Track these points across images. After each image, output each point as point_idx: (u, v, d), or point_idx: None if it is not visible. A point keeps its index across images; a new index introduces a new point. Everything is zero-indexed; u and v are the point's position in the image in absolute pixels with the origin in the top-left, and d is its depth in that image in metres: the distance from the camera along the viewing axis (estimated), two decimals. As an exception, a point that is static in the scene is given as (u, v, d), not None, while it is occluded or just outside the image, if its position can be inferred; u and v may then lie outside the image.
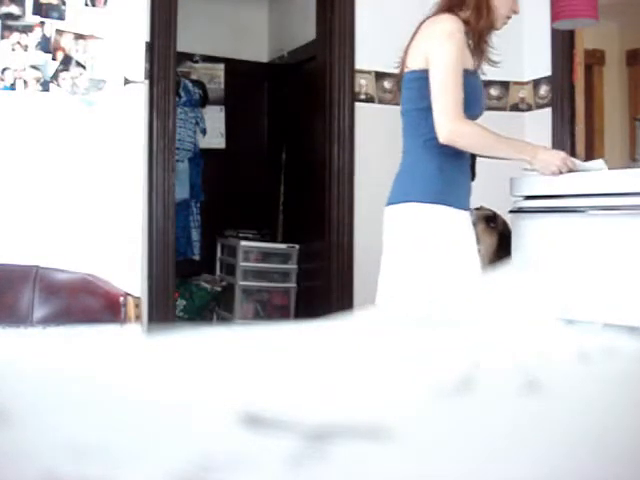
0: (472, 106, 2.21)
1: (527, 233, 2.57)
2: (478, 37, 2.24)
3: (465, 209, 2.26)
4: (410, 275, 2.20)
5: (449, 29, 2.17)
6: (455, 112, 2.11)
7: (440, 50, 2.15)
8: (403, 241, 2.22)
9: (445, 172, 2.20)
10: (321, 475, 0.28)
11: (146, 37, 3.23)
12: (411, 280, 2.19)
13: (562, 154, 2.26)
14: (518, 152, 2.24)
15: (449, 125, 2.11)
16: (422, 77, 2.19)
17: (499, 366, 0.45)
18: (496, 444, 0.32)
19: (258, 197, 5.45)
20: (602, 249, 2.25)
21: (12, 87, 3.00)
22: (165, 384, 0.39)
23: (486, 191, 3.09)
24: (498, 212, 3.00)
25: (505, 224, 2.99)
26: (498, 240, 2.96)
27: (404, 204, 2.22)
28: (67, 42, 3.05)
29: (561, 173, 2.23)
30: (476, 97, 2.25)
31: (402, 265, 2.23)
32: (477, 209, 2.96)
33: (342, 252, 3.69)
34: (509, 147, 2.22)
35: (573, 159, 2.36)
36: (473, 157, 2.36)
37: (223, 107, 5.42)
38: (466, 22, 2.22)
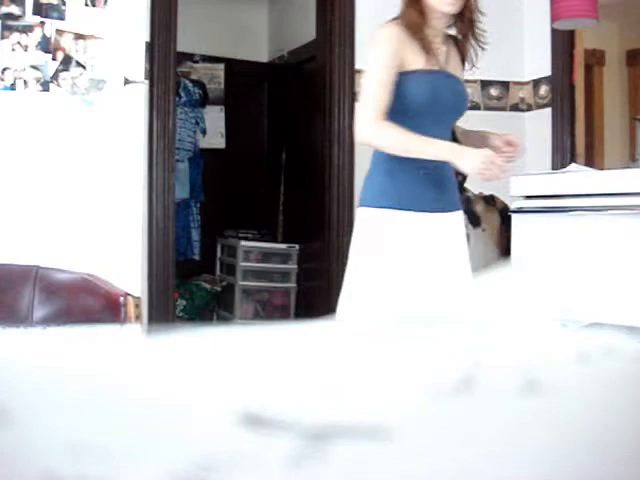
0: (423, 105, 2.19)
1: (527, 233, 2.57)
2: (420, 33, 2.19)
3: (422, 211, 2.22)
4: (352, 279, 2.25)
5: (379, 36, 2.21)
6: (369, 115, 2.15)
7: (369, 58, 2.24)
8: (353, 245, 2.29)
9: (395, 176, 2.20)
10: (321, 475, 0.28)
11: (146, 37, 3.23)
12: (352, 284, 2.25)
13: (489, 155, 2.08)
14: (438, 153, 2.16)
15: (361, 127, 2.17)
16: None
17: (499, 366, 0.45)
18: (496, 444, 0.32)
19: (258, 197, 5.45)
20: (602, 249, 2.25)
21: (12, 87, 3.00)
22: (165, 384, 0.39)
23: (485, 190, 3.09)
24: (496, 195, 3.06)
25: (504, 204, 3.03)
26: (500, 218, 3.00)
27: (359, 208, 2.30)
28: (67, 42, 3.05)
29: (493, 175, 2.08)
30: (424, 96, 2.20)
31: (350, 268, 2.28)
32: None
33: (342, 252, 3.68)
34: (429, 147, 2.15)
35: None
36: None
37: (223, 107, 5.42)
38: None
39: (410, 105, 2.18)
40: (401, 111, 2.17)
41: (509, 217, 2.91)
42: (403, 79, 2.17)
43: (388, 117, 2.16)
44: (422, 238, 2.22)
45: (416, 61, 2.19)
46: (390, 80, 2.16)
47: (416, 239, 2.22)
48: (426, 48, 2.19)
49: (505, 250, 2.96)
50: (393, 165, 2.21)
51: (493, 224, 3.01)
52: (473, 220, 3.02)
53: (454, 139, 2.37)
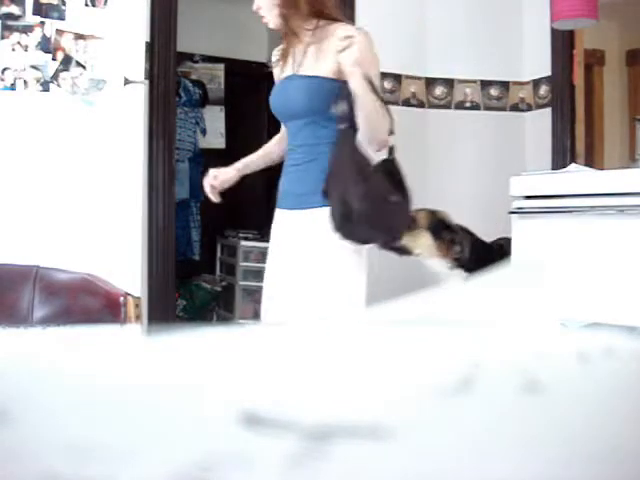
0: (275, 113, 2.40)
1: (527, 233, 2.57)
2: (282, 49, 2.37)
3: (287, 208, 2.32)
4: None
5: None
6: None
7: None
8: None
9: (281, 176, 2.40)
10: (321, 475, 0.28)
11: (146, 37, 3.23)
12: None
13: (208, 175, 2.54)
14: None
15: None
16: None
17: (499, 366, 0.45)
18: (496, 443, 0.32)
19: (258, 197, 5.45)
20: (602, 249, 2.26)
21: (12, 87, 3.00)
22: (165, 384, 0.39)
23: (486, 190, 3.09)
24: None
25: (428, 214, 2.77)
26: (429, 233, 2.75)
27: None
28: (67, 42, 3.05)
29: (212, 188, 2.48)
30: (270, 105, 2.40)
31: None
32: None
33: (342, 252, 3.69)
34: None
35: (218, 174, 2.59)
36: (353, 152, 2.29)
37: (223, 107, 5.42)
38: None
39: None
40: None
41: (441, 225, 2.76)
42: None
43: None
44: (284, 236, 2.33)
45: (277, 76, 2.40)
46: None
47: (280, 237, 2.34)
48: (281, 60, 2.36)
49: (458, 254, 2.73)
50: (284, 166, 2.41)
51: (425, 244, 2.75)
52: (403, 252, 2.75)
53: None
